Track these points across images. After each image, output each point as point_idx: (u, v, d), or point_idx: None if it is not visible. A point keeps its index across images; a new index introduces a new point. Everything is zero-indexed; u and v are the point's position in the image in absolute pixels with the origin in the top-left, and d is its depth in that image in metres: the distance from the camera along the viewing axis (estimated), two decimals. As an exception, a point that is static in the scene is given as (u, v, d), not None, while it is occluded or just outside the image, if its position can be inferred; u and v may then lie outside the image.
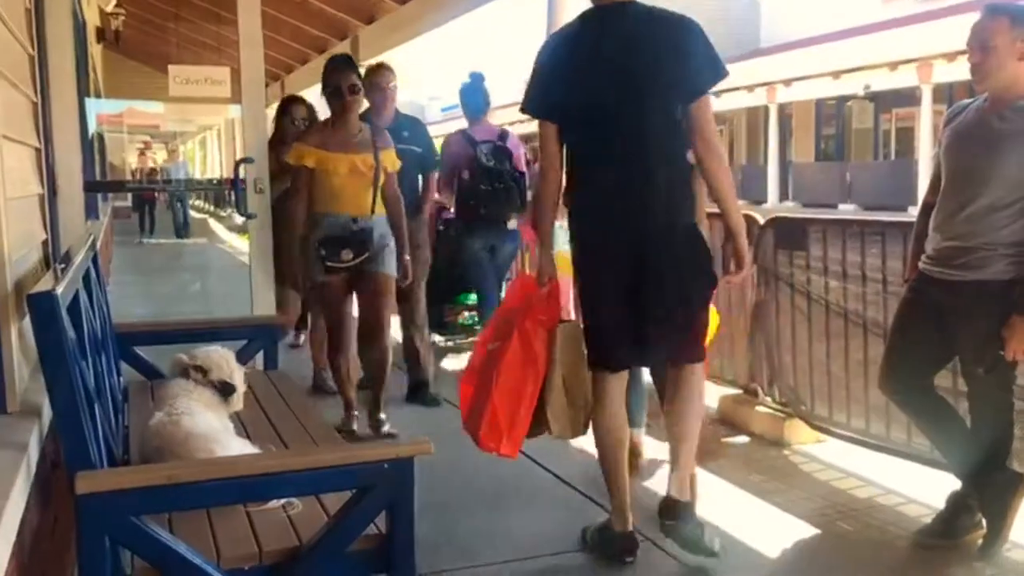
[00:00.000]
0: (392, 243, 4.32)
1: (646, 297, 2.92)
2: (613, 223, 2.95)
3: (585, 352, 3.06)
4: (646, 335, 2.98)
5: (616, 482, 3.11)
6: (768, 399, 4.53)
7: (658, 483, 3.79)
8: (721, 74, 2.91)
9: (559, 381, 3.05)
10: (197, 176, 25.93)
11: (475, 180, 5.17)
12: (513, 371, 3.01)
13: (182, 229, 16.98)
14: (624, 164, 2.91)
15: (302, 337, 6.51)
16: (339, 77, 4.15)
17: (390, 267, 4.30)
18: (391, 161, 4.31)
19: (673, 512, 3.05)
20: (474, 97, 5.36)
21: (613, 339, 3.01)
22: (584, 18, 2.99)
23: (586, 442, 4.37)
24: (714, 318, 3.41)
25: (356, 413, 4.50)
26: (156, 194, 17.21)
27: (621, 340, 3.00)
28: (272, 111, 5.83)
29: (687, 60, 2.86)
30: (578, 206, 3.06)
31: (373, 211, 4.23)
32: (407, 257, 4.42)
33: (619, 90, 2.87)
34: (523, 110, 3.06)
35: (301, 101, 5.48)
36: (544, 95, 3.01)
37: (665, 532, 3.09)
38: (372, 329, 4.32)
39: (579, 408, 3.10)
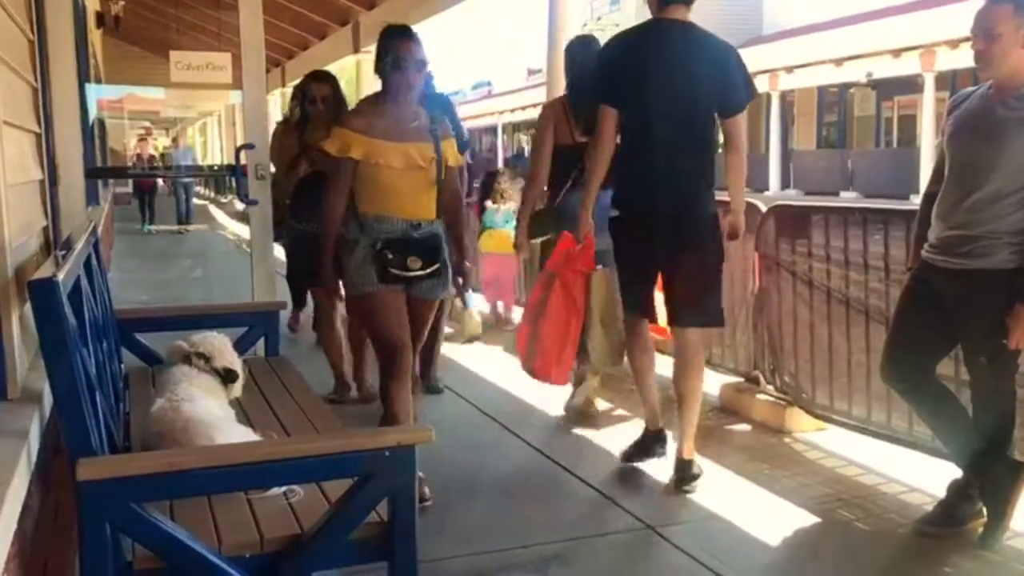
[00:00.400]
0: (447, 259, 3.51)
1: (673, 269, 3.55)
2: (655, 203, 3.50)
3: (617, 296, 3.78)
4: (670, 299, 3.63)
5: (647, 394, 3.85)
6: (770, 387, 4.52)
7: (660, 472, 3.80)
8: (754, 95, 3.65)
9: (597, 319, 3.80)
10: (198, 162, 25.64)
11: None
12: (558, 313, 3.77)
13: (185, 217, 16.38)
14: (669, 155, 3.46)
15: (301, 318, 6.37)
16: (403, 46, 3.36)
17: (445, 291, 3.61)
18: (453, 154, 3.53)
19: (684, 467, 3.65)
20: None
21: (630, 290, 3.65)
22: (647, 26, 3.57)
23: (589, 433, 4.39)
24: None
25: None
26: (156, 181, 16.59)
27: (635, 291, 3.65)
28: (272, 97, 5.77)
29: (730, 81, 3.51)
30: (625, 182, 3.62)
31: (437, 215, 3.47)
32: (468, 264, 3.74)
33: (673, 95, 3.45)
34: (590, 94, 3.72)
35: (323, 78, 4.83)
36: (608, 84, 3.58)
37: (682, 484, 3.62)
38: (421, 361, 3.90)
39: (614, 341, 3.83)
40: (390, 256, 3.32)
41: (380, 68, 3.42)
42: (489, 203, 6.73)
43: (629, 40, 3.61)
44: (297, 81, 6.11)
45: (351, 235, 3.38)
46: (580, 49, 4.47)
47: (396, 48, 3.36)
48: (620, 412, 4.61)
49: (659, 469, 3.82)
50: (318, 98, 4.63)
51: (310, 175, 4.60)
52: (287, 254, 5.28)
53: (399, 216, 3.35)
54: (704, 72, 3.46)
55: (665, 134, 3.46)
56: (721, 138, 3.65)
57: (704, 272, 3.58)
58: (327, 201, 3.42)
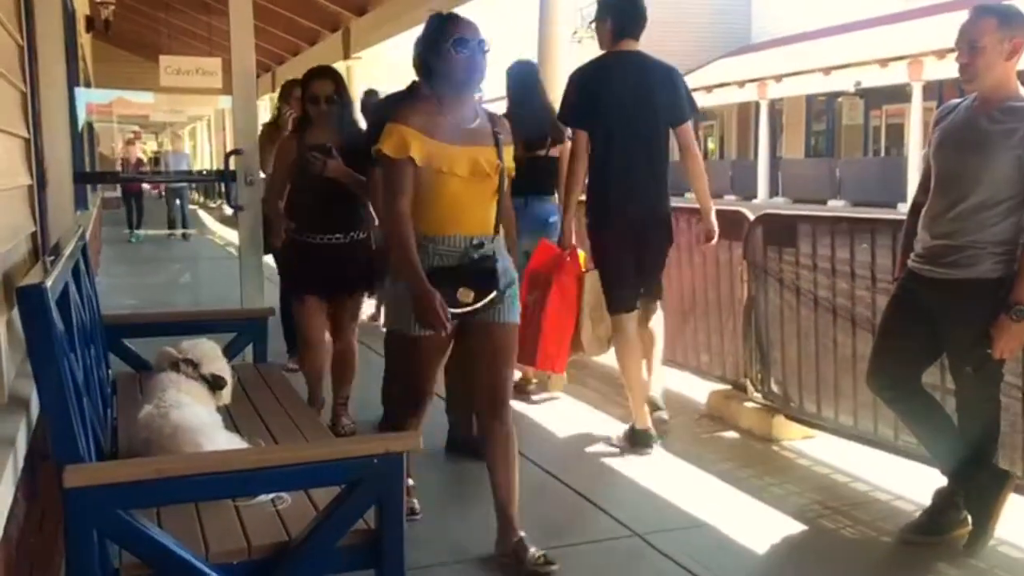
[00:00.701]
0: (516, 277, 3.08)
1: (644, 260, 4.13)
2: (626, 208, 4.05)
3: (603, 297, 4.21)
4: (640, 284, 4.20)
5: (635, 390, 4.20)
6: (757, 395, 4.54)
7: (647, 477, 3.81)
8: (696, 108, 4.28)
9: (587, 314, 4.25)
10: (192, 167, 25.26)
11: None
12: (557, 314, 4.24)
13: (182, 223, 15.56)
14: (635, 168, 4.03)
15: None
16: (465, 27, 2.88)
17: (517, 312, 3.07)
18: (511, 161, 3.06)
19: (652, 406, 4.30)
20: None
21: (621, 287, 4.13)
22: (606, 59, 4.15)
23: (575, 439, 4.39)
24: None
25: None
26: (142, 185, 15.98)
27: (625, 287, 4.14)
28: (262, 102, 5.62)
29: (677, 97, 4.12)
30: (598, 193, 4.14)
31: (496, 230, 2.99)
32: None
33: (636, 117, 4.00)
34: (561, 120, 4.30)
35: (326, 73, 4.24)
36: (577, 111, 4.09)
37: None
38: (496, 405, 3.04)
39: (601, 334, 4.29)
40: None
41: (435, 56, 2.88)
42: None
43: (594, 71, 4.13)
44: (288, 80, 5.95)
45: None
46: (518, 72, 4.91)
47: (457, 30, 2.86)
48: (605, 417, 4.61)
49: (646, 475, 3.83)
50: (321, 97, 4.09)
51: (308, 181, 4.07)
52: (280, 269, 4.73)
53: (459, 233, 2.88)
54: (658, 93, 4.05)
55: (631, 151, 4.02)
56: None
57: (663, 261, 4.26)
58: (392, 210, 2.85)
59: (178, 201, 15.80)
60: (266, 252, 4.86)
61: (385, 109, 3.80)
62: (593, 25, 4.23)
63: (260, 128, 5.40)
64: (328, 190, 4.05)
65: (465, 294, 2.86)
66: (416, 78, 3.28)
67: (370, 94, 6.67)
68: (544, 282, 4.27)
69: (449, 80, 2.88)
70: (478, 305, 2.88)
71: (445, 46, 2.85)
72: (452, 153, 2.84)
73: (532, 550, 2.98)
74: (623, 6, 4.13)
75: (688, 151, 4.19)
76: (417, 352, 2.92)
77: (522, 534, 3.04)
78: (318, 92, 4.11)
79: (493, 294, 2.91)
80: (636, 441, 4.16)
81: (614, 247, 4.11)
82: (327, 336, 4.43)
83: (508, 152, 2.99)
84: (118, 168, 16.88)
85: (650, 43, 4.10)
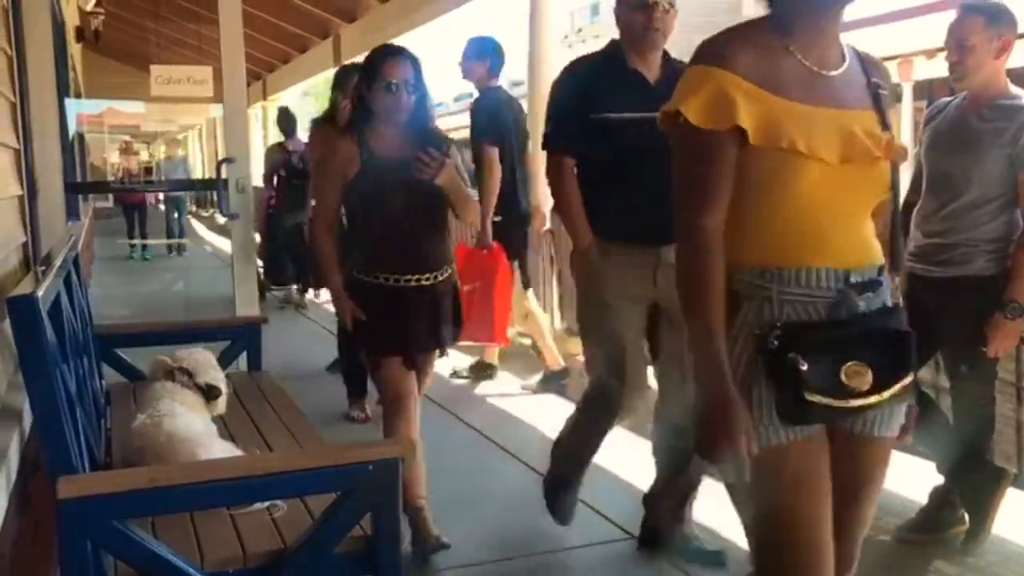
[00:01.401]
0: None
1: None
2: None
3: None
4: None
5: (544, 341, 5.48)
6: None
7: (642, 480, 3.80)
8: None
9: (520, 296, 5.33)
10: (191, 175, 24.89)
11: (289, 177, 7.85)
12: (502, 295, 5.10)
13: (178, 233, 14.74)
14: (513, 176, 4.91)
15: (369, 408, 4.69)
16: None
17: (898, 418, 1.76)
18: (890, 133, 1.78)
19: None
20: (287, 123, 8.27)
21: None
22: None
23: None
24: None
25: None
26: (145, 197, 14.73)
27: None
28: (253, 111, 5.56)
29: None
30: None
31: (892, 257, 1.82)
32: None
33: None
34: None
35: (404, 53, 3.01)
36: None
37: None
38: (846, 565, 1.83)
39: (521, 310, 5.44)
40: (804, 366, 1.56)
41: None
42: None
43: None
44: (345, 65, 5.52)
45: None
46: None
47: None
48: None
49: (642, 478, 3.82)
50: (402, 85, 2.92)
51: (382, 201, 2.97)
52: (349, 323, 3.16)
53: (824, 265, 1.62)
54: None
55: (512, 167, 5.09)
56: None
57: None
58: (690, 227, 1.60)
59: (175, 213, 14.87)
60: (318, 287, 5.00)
61: (568, 85, 2.86)
62: (581, 30, 4.37)
63: (310, 128, 5.24)
64: (414, 212, 2.96)
65: (858, 374, 1.59)
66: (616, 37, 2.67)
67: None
68: (479, 274, 4.95)
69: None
70: (881, 398, 1.63)
71: None
72: (811, 119, 1.59)
73: None
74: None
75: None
76: (781, 476, 1.68)
77: None
78: (397, 77, 2.92)
79: (909, 379, 1.68)
80: (551, 381, 5.25)
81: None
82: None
83: (896, 118, 1.81)
84: (111, 178, 16.70)
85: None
